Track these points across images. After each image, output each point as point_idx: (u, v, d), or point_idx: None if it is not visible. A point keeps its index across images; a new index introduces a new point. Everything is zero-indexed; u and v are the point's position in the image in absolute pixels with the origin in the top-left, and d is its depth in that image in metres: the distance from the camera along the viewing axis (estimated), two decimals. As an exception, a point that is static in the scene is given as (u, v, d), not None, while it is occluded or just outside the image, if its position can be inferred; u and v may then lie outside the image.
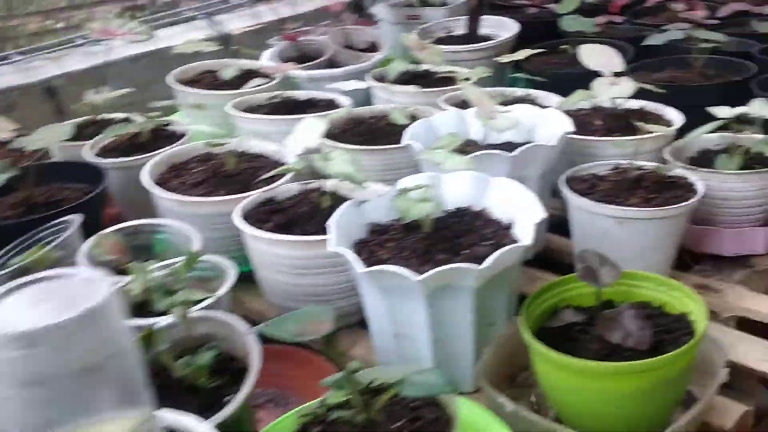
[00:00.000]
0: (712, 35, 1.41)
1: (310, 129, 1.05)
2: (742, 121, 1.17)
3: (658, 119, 1.33)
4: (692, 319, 0.80)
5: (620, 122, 1.30)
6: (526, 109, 1.26)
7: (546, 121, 1.21)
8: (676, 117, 1.30)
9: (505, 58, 1.45)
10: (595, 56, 1.29)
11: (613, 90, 1.23)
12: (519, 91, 1.49)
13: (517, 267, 0.91)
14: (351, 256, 0.83)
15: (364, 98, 1.55)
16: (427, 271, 0.82)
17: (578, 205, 1.06)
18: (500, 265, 0.82)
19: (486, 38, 1.79)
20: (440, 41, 1.85)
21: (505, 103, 1.39)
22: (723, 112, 1.14)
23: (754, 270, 1.16)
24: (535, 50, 1.48)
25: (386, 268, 0.80)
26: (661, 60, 1.57)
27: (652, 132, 1.14)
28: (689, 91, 1.40)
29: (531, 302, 0.85)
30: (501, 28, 1.83)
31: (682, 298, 0.82)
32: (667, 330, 0.80)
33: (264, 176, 1.13)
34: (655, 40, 1.48)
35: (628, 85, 1.23)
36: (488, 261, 0.80)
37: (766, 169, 1.11)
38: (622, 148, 1.15)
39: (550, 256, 1.22)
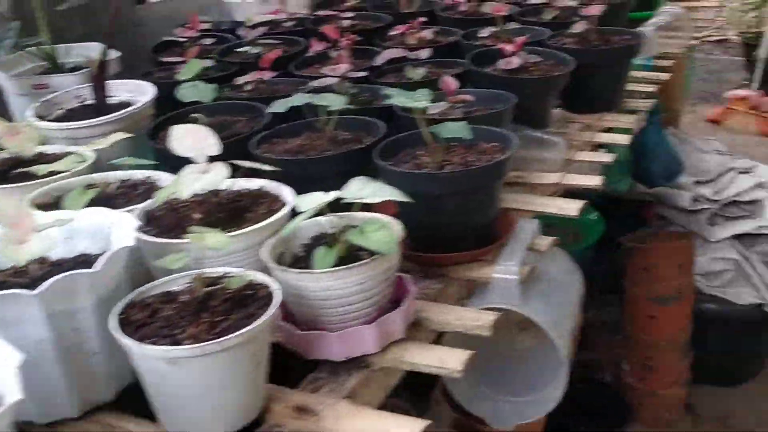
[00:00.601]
0: (331, 98, 1.29)
1: None
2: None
3: (275, 201, 1.18)
4: None
5: (227, 211, 1.14)
6: (99, 212, 1.05)
7: (119, 226, 1.01)
8: (290, 197, 1.15)
9: (90, 146, 1.24)
10: (186, 140, 1.11)
11: (202, 181, 1.06)
12: (138, 174, 1.29)
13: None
14: None
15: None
16: None
17: (126, 347, 0.86)
18: None
19: (126, 105, 1.57)
20: (71, 113, 1.60)
21: (107, 194, 1.19)
22: (307, 201, 1.00)
23: (372, 370, 1.04)
24: (127, 134, 1.28)
25: None
26: (298, 124, 1.43)
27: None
28: (308, 162, 1.27)
29: None
30: (140, 93, 1.62)
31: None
32: None
33: None
34: (277, 107, 1.34)
35: (220, 173, 1.07)
36: None
37: (358, 263, 0.98)
38: (182, 256, 0.95)
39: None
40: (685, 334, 2.49)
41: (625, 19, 2.15)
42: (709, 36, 5.99)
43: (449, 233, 1.24)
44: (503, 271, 1.20)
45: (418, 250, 1.25)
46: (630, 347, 2.57)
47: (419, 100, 1.22)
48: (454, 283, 1.25)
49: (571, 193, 1.58)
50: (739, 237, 2.53)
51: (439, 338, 1.18)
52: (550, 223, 1.48)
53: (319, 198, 1.01)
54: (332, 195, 1.02)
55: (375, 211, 1.11)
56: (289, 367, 1.07)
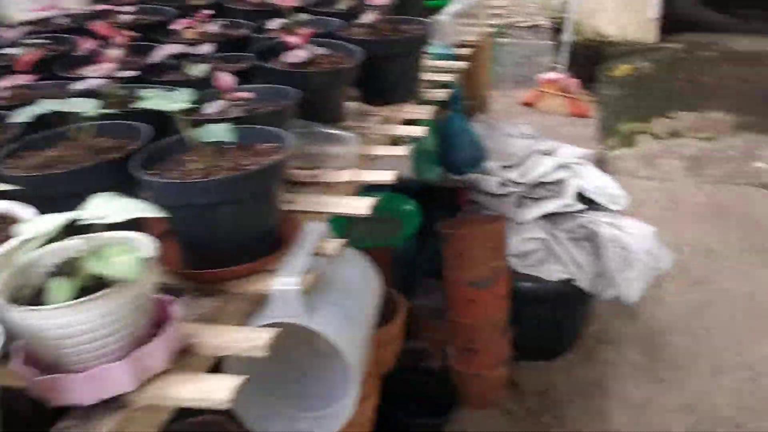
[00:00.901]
0: (82, 104, 1.15)
1: None
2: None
3: (12, 227, 1.03)
4: None
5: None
6: None
7: None
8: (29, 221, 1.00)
9: None
10: None
11: None
12: None
13: None
14: None
15: None
16: None
17: None
18: None
19: None
20: None
21: None
22: (36, 225, 0.87)
23: (131, 410, 0.92)
24: None
25: None
26: (52, 133, 1.27)
27: None
28: (52, 178, 1.12)
29: None
30: None
31: None
32: None
33: None
34: (19, 116, 1.18)
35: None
36: None
37: (93, 296, 0.86)
38: None
39: None
40: (503, 314, 2.56)
41: (421, 8, 2.14)
42: (521, 21, 6.27)
43: (226, 245, 1.14)
44: (283, 282, 1.12)
45: (194, 267, 1.15)
46: (453, 332, 2.60)
47: (178, 101, 1.10)
48: (235, 299, 1.15)
49: (379, 188, 1.54)
50: (546, 216, 2.62)
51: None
52: (369, 218, 1.41)
53: (51, 221, 0.88)
54: (63, 216, 0.89)
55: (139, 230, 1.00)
56: (39, 416, 0.94)
